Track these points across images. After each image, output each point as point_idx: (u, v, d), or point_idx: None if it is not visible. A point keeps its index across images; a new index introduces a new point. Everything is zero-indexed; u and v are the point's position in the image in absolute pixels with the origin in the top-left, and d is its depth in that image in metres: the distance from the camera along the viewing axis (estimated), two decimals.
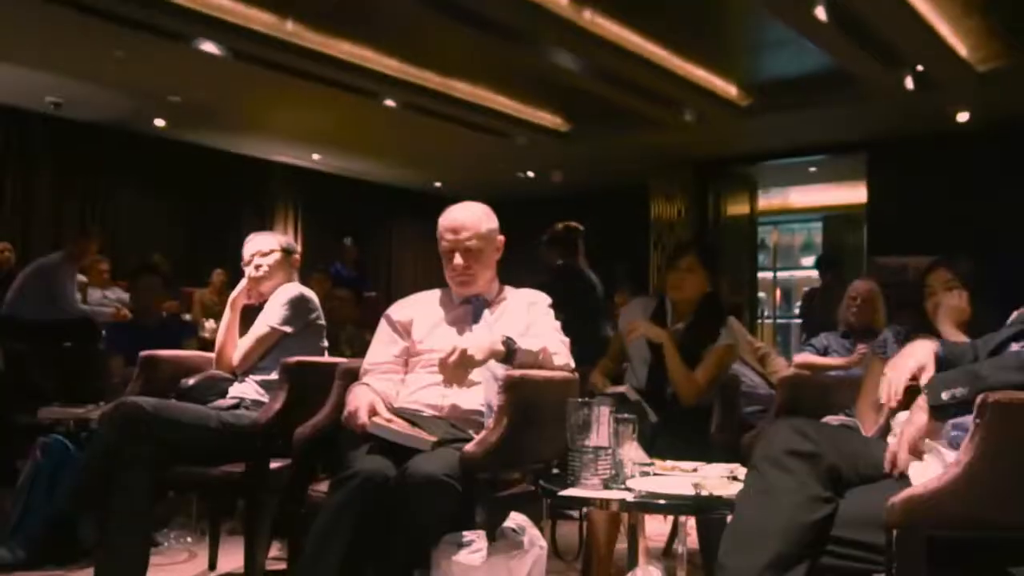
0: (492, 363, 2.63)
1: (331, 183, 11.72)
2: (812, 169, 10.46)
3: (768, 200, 11.51)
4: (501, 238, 2.94)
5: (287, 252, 3.56)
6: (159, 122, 9.27)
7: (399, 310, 2.94)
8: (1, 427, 4.29)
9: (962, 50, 6.56)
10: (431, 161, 10.89)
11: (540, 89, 8.08)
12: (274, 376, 3.25)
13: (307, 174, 11.51)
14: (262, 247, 3.51)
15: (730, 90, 7.83)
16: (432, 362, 2.74)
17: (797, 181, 11.33)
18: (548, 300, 2.97)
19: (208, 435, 3.07)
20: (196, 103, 8.44)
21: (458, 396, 2.70)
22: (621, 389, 3.37)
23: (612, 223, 11.46)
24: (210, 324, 7.70)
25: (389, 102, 7.99)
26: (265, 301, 3.49)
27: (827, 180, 11.01)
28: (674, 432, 3.20)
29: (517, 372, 2.56)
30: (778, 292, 13.34)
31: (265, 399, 3.25)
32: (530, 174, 11.02)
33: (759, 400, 4.24)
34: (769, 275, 12.83)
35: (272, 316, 3.37)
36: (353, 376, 2.87)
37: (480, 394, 2.69)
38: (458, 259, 2.81)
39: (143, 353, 3.43)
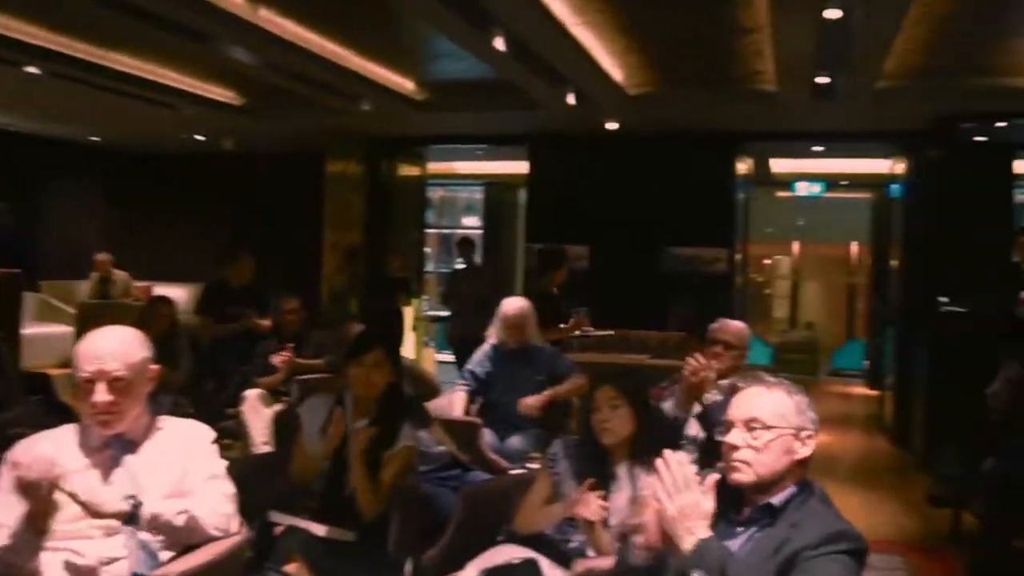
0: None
1: None
2: (478, 152, 11.00)
3: (436, 165, 11.92)
4: (155, 367, 2.59)
5: None
6: None
7: (26, 453, 2.37)
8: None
9: (617, 75, 7.15)
10: (87, 120, 10.00)
11: (212, 69, 7.69)
12: None
13: None
14: None
15: (407, 85, 7.96)
16: (66, 535, 2.36)
17: (464, 158, 11.84)
18: (212, 436, 2.66)
19: None
20: None
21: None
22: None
23: (285, 185, 11.27)
24: None
25: (32, 69, 7.22)
26: None
27: (490, 160, 11.67)
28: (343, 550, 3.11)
29: None
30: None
31: None
32: (199, 138, 10.48)
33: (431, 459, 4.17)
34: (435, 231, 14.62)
35: None
36: None
37: (107, 549, 2.38)
38: (101, 393, 2.43)
39: None
